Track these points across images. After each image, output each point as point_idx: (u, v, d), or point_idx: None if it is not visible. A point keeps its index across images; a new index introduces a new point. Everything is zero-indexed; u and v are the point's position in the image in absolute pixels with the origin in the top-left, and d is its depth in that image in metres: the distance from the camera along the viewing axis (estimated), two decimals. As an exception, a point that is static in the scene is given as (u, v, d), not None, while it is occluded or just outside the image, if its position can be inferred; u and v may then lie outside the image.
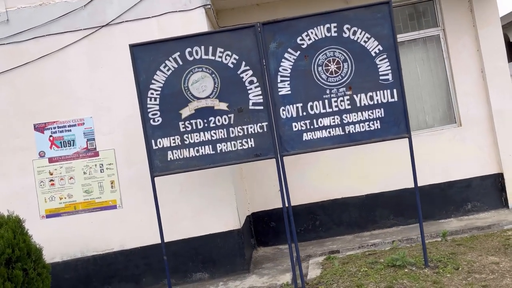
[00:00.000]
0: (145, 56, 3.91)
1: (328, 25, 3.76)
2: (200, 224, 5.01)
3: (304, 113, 3.82)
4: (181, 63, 3.90)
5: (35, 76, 5.05)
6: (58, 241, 4.97)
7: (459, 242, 4.66)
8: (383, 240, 5.34)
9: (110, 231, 5.03)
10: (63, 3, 5.04)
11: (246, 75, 3.88)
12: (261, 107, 3.86)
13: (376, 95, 3.76)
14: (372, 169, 5.83)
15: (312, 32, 3.78)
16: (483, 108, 5.78)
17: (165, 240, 5.07)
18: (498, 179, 5.79)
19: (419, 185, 5.70)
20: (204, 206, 5.01)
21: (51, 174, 5.04)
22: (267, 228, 5.99)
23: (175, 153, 3.92)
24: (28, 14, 5.03)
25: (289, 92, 3.83)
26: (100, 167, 5.06)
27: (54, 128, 5.06)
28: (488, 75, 5.69)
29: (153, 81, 3.92)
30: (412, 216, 5.77)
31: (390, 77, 3.75)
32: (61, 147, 5.06)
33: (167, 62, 3.90)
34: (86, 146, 5.06)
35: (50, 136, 5.05)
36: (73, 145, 5.07)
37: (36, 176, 5.03)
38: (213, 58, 3.88)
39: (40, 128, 5.05)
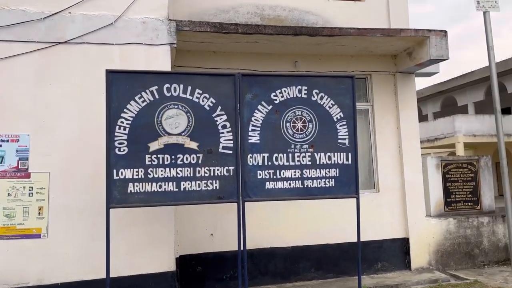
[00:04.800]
0: (121, 83, 3.84)
1: (300, 87, 4.15)
2: (133, 262, 4.77)
3: (269, 163, 4.05)
4: (157, 97, 3.91)
5: (-31, 81, 4.53)
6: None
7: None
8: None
9: (29, 262, 4.51)
10: (20, 11, 4.73)
11: (220, 119, 4.02)
12: (230, 152, 4.00)
13: (334, 156, 4.18)
14: (300, 222, 6.19)
15: (285, 91, 4.13)
16: (398, 178, 6.63)
17: (93, 278, 4.73)
18: (404, 243, 6.56)
19: (339, 242, 6.30)
20: (140, 243, 4.81)
21: (-32, 192, 4.43)
22: (193, 272, 5.87)
23: (137, 186, 3.80)
24: (-25, 14, 4.59)
25: (258, 141, 4.06)
26: (30, 190, 4.60)
27: (-18, 140, 4.52)
28: (404, 151, 6.62)
29: (125, 110, 3.83)
30: (331, 270, 6.20)
31: (347, 141, 4.22)
32: (-13, 162, 4.51)
33: (143, 93, 3.87)
34: (16, 166, 4.59)
35: (-24, 149, 4.49)
36: (1, 162, 4.56)
37: None
38: (190, 97, 3.97)
39: (-36, 138, 4.47)
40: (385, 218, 6.54)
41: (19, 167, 4.59)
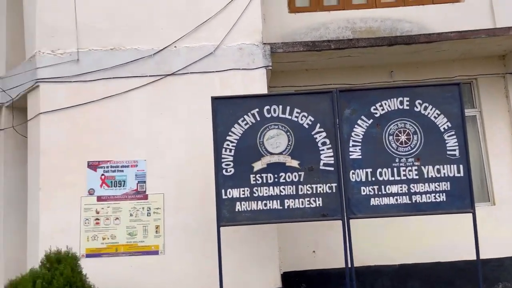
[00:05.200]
0: (225, 109, 4.09)
1: (401, 98, 4.03)
2: (242, 279, 4.94)
3: (373, 179, 3.97)
4: (258, 119, 4.09)
5: (96, 115, 5.18)
6: (94, 282, 4.82)
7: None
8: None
9: (149, 277, 4.92)
10: (134, 50, 5.30)
11: (319, 136, 4.06)
12: (332, 168, 4.01)
13: (443, 169, 3.95)
14: (407, 239, 5.88)
15: (385, 103, 4.04)
16: (516, 189, 6.00)
17: (205, 294, 4.96)
18: (530, 261, 5.87)
19: (454, 260, 5.84)
20: (247, 260, 4.98)
21: (98, 213, 5.01)
22: (297, 289, 5.89)
23: (244, 205, 3.98)
24: (98, 57, 5.26)
25: (360, 156, 4.01)
26: (148, 210, 5.05)
27: (107, 167, 5.10)
28: (522, 159, 5.98)
29: (230, 133, 4.07)
30: (443, 291, 5.77)
31: (457, 152, 3.97)
32: (111, 186, 5.08)
33: (245, 116, 4.08)
34: (136, 188, 5.09)
35: (102, 174, 5.08)
36: (123, 186, 5.09)
37: (82, 214, 4.99)
38: (289, 117, 4.08)
39: (93, 165, 5.09)
40: (504, 233, 5.93)
41: (138, 190, 5.08)
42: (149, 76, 5.28)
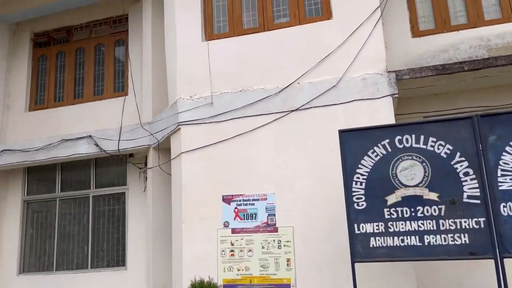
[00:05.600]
0: (353, 141, 4.07)
1: (559, 120, 3.53)
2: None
3: (531, 212, 3.49)
4: (389, 150, 3.96)
5: (229, 152, 5.57)
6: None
7: None
8: None
9: (283, 311, 4.97)
10: (260, 90, 5.63)
11: (460, 166, 3.76)
12: (478, 201, 3.65)
13: None
14: None
15: (540, 127, 3.58)
16: None
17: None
18: None
19: None
20: (382, 299, 4.72)
21: (232, 245, 5.29)
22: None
23: (378, 240, 3.83)
24: (229, 98, 5.70)
25: (511, 187, 3.58)
26: (278, 243, 5.17)
27: (240, 201, 5.40)
28: None
29: (360, 166, 4.01)
30: None
31: None
32: (244, 219, 5.34)
33: (375, 148, 3.99)
34: (266, 221, 5.27)
35: (236, 208, 5.39)
36: (255, 219, 5.32)
37: (219, 245, 5.33)
38: (424, 147, 3.87)
39: (227, 199, 5.44)
40: None
41: (269, 223, 5.26)
42: (275, 113, 5.52)
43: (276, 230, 5.22)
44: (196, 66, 5.89)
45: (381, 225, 3.86)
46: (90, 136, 6.91)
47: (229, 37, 5.92)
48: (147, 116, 6.77)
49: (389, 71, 5.26)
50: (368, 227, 3.88)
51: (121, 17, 7.82)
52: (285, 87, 5.53)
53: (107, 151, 6.81)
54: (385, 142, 3.98)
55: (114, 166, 7.36)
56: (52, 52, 8.17)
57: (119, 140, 6.73)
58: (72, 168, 7.64)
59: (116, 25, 7.88)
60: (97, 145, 6.85)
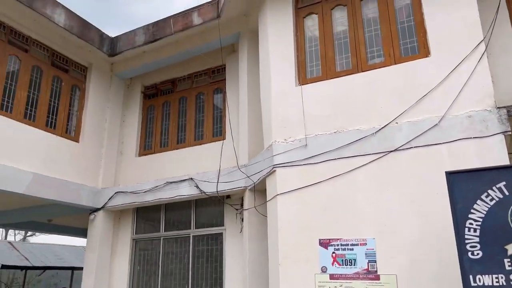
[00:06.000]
0: (462, 184, 3.77)
1: None
2: None
3: None
4: (507, 193, 3.60)
5: (324, 194, 5.50)
6: None
7: None
8: None
9: None
10: (355, 131, 5.55)
11: None
12: None
13: None
14: None
15: None
16: None
17: None
18: None
19: None
20: None
21: (331, 291, 5.11)
22: None
23: (500, 295, 3.41)
24: (323, 140, 5.71)
25: None
26: (380, 292, 4.88)
27: (337, 245, 5.25)
28: None
29: (472, 211, 3.69)
30: None
31: None
32: (342, 265, 5.16)
33: (490, 191, 3.65)
34: (366, 268, 5.02)
35: (333, 252, 5.24)
36: (354, 265, 5.10)
37: (317, 291, 5.18)
38: (549, 190, 3.45)
39: (324, 243, 5.32)
40: None
41: (369, 269, 5.00)
42: (372, 154, 5.38)
43: (377, 277, 4.94)
44: (290, 109, 6.04)
45: (501, 277, 3.44)
46: (191, 178, 7.36)
47: (322, 80, 6.02)
48: (243, 158, 7.04)
49: (498, 107, 4.87)
50: (486, 279, 3.49)
51: (219, 67, 8.44)
52: (382, 127, 5.39)
53: (207, 193, 7.17)
54: (501, 184, 3.63)
55: (213, 207, 7.70)
56: (159, 102, 9.03)
57: (217, 182, 7.07)
58: (174, 208, 8.16)
59: (214, 74, 8.50)
60: (197, 187, 7.26)
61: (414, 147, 5.19)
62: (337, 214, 5.37)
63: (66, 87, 8.28)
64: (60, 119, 8.03)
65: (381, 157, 5.34)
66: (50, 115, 7.88)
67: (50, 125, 7.83)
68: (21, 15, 7.32)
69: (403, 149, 5.24)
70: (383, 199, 5.18)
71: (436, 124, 5.10)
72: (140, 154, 8.87)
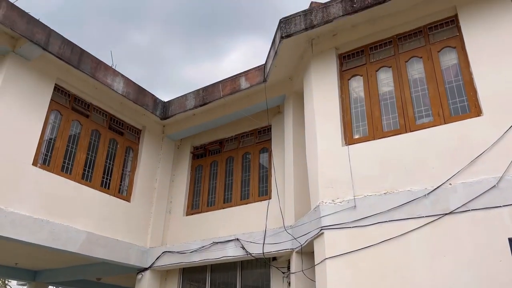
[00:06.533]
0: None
1: None
2: None
3: None
4: None
5: (375, 259, 5.25)
6: None
7: None
8: None
9: None
10: (406, 192, 5.36)
11: None
12: None
13: None
14: None
15: None
16: None
17: None
18: None
19: None
20: None
21: None
22: None
23: None
24: (373, 201, 5.54)
25: None
26: None
27: (392, 315, 4.90)
28: None
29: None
30: None
31: None
32: (399, 338, 4.77)
33: (562, 261, 3.33)
34: None
35: (388, 323, 4.88)
36: (411, 338, 4.70)
37: None
38: None
39: (377, 313, 4.99)
40: None
41: None
42: (425, 216, 5.14)
43: None
44: (337, 170, 5.99)
45: None
46: (237, 239, 7.31)
47: (370, 140, 5.97)
48: (289, 219, 6.94)
49: (562, 166, 4.57)
50: None
51: (265, 128, 8.64)
52: (435, 189, 5.18)
53: (253, 254, 7.05)
54: None
55: (259, 269, 7.53)
56: (207, 162, 9.28)
57: (263, 243, 6.96)
58: (220, 269, 8.06)
59: (260, 135, 8.69)
60: (243, 248, 7.17)
61: (471, 210, 4.91)
62: (390, 281, 5.06)
63: (121, 149, 8.75)
64: (114, 179, 8.42)
65: (435, 220, 5.08)
66: (105, 176, 8.29)
67: (104, 185, 8.21)
68: (85, 84, 7.99)
69: (459, 211, 4.97)
70: (439, 265, 4.86)
71: (494, 186, 4.84)
72: (188, 213, 9.00)
